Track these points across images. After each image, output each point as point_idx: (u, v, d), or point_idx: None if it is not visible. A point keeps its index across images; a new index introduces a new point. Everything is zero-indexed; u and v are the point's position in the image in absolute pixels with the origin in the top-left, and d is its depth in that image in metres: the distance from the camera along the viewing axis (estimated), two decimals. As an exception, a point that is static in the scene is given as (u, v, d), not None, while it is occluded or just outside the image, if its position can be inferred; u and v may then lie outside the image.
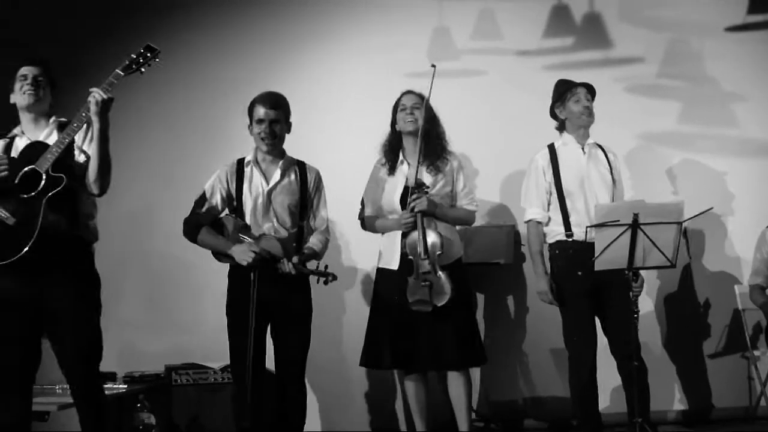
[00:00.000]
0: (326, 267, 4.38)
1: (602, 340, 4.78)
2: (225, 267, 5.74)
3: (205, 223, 4.50)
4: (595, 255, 4.32)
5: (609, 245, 4.29)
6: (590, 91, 4.89)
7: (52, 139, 4.02)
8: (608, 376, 4.86)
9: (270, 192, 4.49)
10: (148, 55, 4.06)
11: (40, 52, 5.07)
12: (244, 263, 4.28)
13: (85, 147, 4.05)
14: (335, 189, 5.78)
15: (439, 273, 4.66)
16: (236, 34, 6.07)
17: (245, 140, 5.77)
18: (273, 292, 4.30)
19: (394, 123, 4.97)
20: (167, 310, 5.91)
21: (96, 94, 3.88)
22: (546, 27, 5.95)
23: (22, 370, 3.93)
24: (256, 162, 4.54)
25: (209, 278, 5.89)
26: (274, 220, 4.47)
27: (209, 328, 5.84)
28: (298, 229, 4.52)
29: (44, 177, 3.87)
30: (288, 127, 4.57)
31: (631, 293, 4.53)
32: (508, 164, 5.81)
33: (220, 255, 4.48)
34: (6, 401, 3.91)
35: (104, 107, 3.89)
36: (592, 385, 4.74)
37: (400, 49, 5.92)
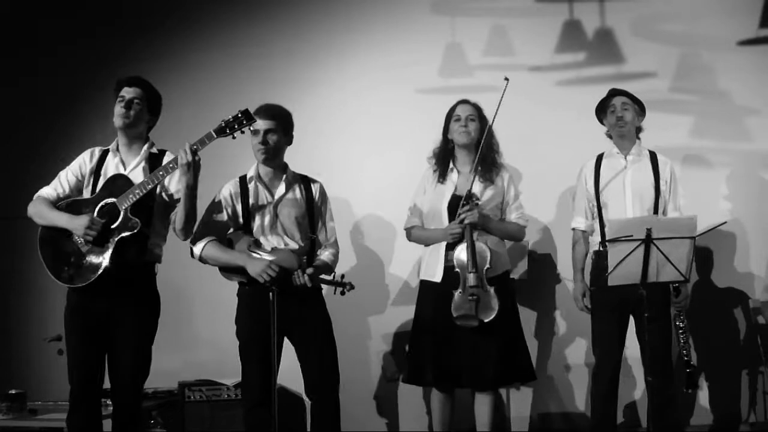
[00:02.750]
0: (342, 276, 4.30)
1: (627, 353, 4.76)
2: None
3: (213, 239, 4.40)
4: (609, 270, 4.32)
5: (622, 260, 4.27)
6: (633, 100, 4.88)
7: (139, 170, 4.24)
8: (630, 390, 4.83)
9: (276, 206, 4.42)
10: (244, 122, 4.11)
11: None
12: (261, 280, 4.21)
13: (172, 189, 4.25)
14: (351, 205, 5.84)
15: (488, 288, 4.59)
16: (249, 53, 6.10)
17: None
18: (290, 311, 4.22)
19: (446, 132, 4.90)
20: (180, 327, 5.91)
21: (182, 156, 4.01)
22: (558, 42, 5.95)
23: (96, 372, 4.16)
24: (259, 177, 4.47)
25: (222, 294, 5.89)
26: (283, 234, 4.40)
27: (222, 345, 5.83)
28: (309, 243, 4.46)
29: (121, 216, 4.07)
30: (288, 139, 4.48)
31: (672, 308, 4.52)
32: (523, 180, 5.81)
33: (229, 272, 4.40)
34: (79, 404, 4.14)
35: (190, 168, 4.03)
36: (611, 398, 4.74)
37: (413, 66, 5.94)
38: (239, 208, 4.43)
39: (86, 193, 4.27)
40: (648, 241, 4.25)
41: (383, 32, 6.08)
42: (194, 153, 4.03)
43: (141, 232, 4.09)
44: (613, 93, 4.93)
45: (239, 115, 4.11)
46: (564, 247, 5.65)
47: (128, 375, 4.18)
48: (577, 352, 5.60)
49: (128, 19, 6.20)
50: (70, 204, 4.23)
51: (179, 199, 4.17)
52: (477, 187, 4.72)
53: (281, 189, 4.44)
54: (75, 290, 4.14)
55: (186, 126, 6.01)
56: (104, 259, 4.05)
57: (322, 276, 4.32)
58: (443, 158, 4.87)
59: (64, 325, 4.22)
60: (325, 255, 4.48)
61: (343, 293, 4.27)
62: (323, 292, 4.48)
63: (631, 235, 4.26)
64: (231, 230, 4.47)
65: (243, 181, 4.48)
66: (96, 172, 4.28)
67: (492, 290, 4.59)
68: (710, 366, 5.68)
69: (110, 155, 4.32)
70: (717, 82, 5.88)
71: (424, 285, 4.82)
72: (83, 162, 4.33)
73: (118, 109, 4.26)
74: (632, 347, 4.84)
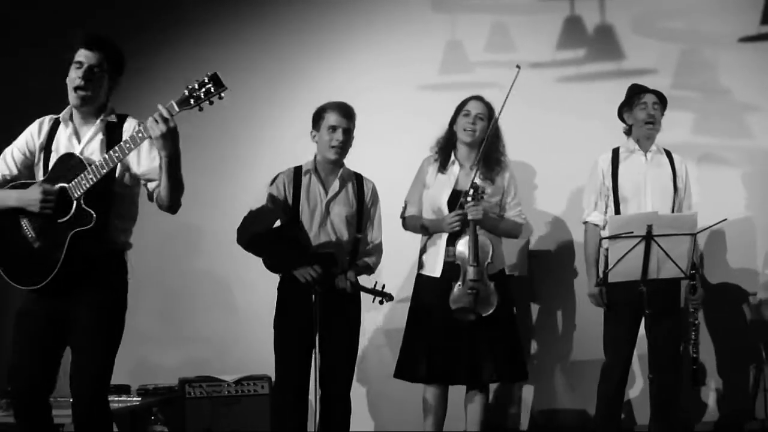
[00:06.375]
0: (383, 286, 4.35)
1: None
2: (238, 280, 5.82)
3: (259, 231, 4.41)
4: (609, 267, 4.31)
5: (623, 257, 4.28)
6: (661, 99, 4.89)
7: (96, 144, 3.66)
8: (635, 388, 4.82)
9: (328, 203, 4.43)
10: (212, 89, 3.34)
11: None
12: (303, 280, 4.23)
13: (142, 168, 3.67)
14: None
15: (488, 282, 4.56)
16: (250, 49, 6.08)
17: (259, 153, 5.81)
18: (324, 306, 4.24)
19: (453, 123, 4.83)
20: (181, 324, 5.92)
21: (154, 126, 3.38)
22: (559, 39, 5.95)
23: (43, 380, 3.69)
24: (316, 171, 4.47)
25: (223, 291, 5.93)
26: (332, 231, 4.42)
27: (223, 341, 5.87)
28: (354, 241, 4.47)
29: (74, 207, 3.52)
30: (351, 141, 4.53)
31: (690, 306, 4.52)
32: (522, 176, 5.79)
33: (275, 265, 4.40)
34: (29, 411, 3.75)
35: (168, 138, 3.41)
36: (617, 396, 4.74)
37: (414, 63, 5.93)
38: (290, 200, 4.43)
39: (38, 174, 3.71)
40: (648, 237, 4.25)
41: (384, 30, 6.07)
42: (165, 122, 3.37)
43: (98, 222, 3.53)
44: (645, 89, 4.90)
45: (206, 81, 3.34)
46: (562, 243, 5.68)
47: (87, 372, 3.64)
48: (580, 349, 5.60)
49: (125, 10, 6.15)
50: (17, 187, 3.65)
51: (152, 179, 3.65)
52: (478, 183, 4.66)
53: (335, 186, 4.46)
54: (28, 290, 3.64)
55: (185, 123, 6.05)
56: (59, 256, 3.52)
57: (363, 285, 4.35)
58: (446, 148, 4.82)
59: (13, 327, 3.70)
60: (368, 257, 4.52)
61: (381, 302, 4.34)
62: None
63: (632, 232, 4.26)
64: (278, 222, 4.47)
65: (298, 172, 4.48)
66: (47, 147, 3.70)
67: (492, 285, 4.57)
68: (713, 363, 5.68)
69: (62, 126, 3.71)
70: (718, 79, 5.87)
71: (422, 279, 4.77)
72: (30, 137, 3.74)
73: (77, 80, 3.59)
74: (639, 345, 4.82)
